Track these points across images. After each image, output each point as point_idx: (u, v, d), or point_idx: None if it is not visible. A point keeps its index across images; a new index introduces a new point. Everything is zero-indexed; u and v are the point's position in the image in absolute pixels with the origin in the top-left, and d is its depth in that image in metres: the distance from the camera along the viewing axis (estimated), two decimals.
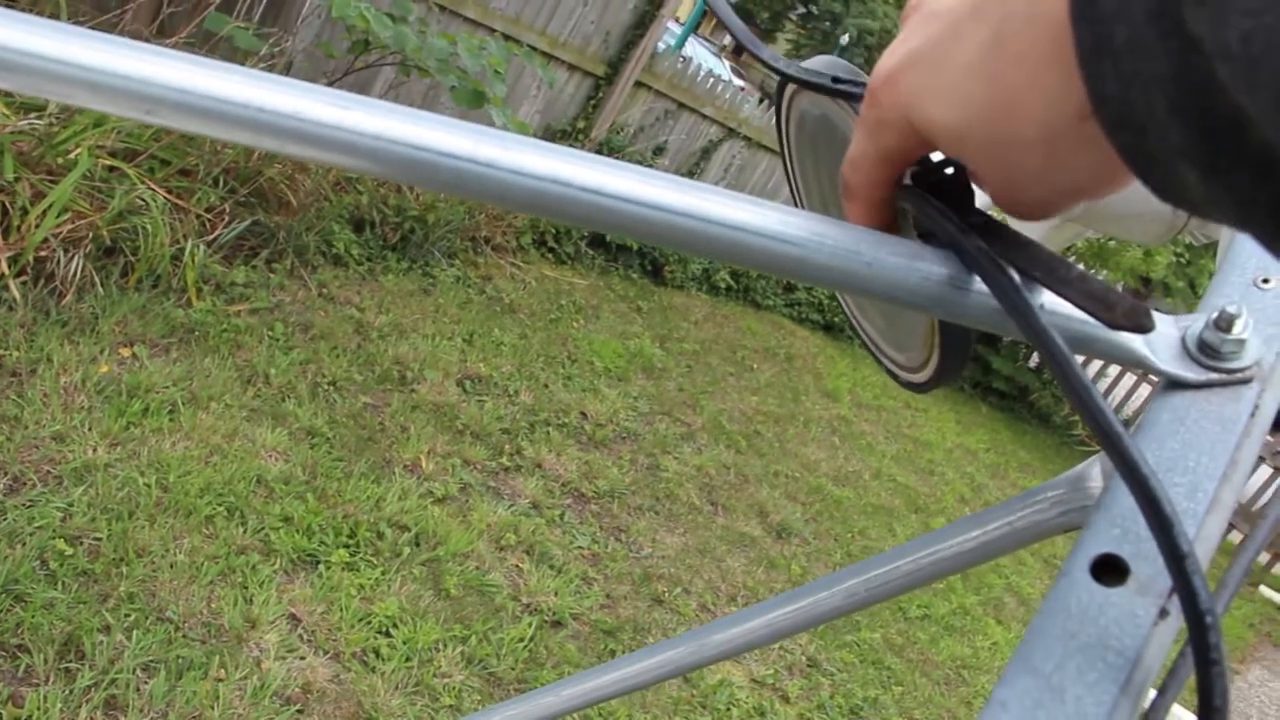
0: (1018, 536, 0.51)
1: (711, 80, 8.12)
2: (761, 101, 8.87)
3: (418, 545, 3.33)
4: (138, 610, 2.53)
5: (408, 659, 2.85)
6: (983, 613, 5.19)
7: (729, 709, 3.41)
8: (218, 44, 4.79)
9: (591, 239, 7.13)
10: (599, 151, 7.35)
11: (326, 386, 3.91)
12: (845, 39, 38.25)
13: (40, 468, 2.81)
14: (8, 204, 3.50)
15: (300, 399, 3.73)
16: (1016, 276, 0.38)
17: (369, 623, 2.91)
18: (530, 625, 3.26)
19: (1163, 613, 0.35)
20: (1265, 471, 10.03)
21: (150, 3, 4.81)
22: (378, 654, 2.82)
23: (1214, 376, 0.40)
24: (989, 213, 0.43)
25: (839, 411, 7.24)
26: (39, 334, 3.30)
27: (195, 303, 3.94)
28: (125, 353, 3.49)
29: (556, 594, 3.48)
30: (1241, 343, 0.40)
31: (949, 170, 0.43)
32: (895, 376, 0.57)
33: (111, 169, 3.88)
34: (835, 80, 0.48)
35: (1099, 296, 0.37)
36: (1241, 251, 0.45)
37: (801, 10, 43.80)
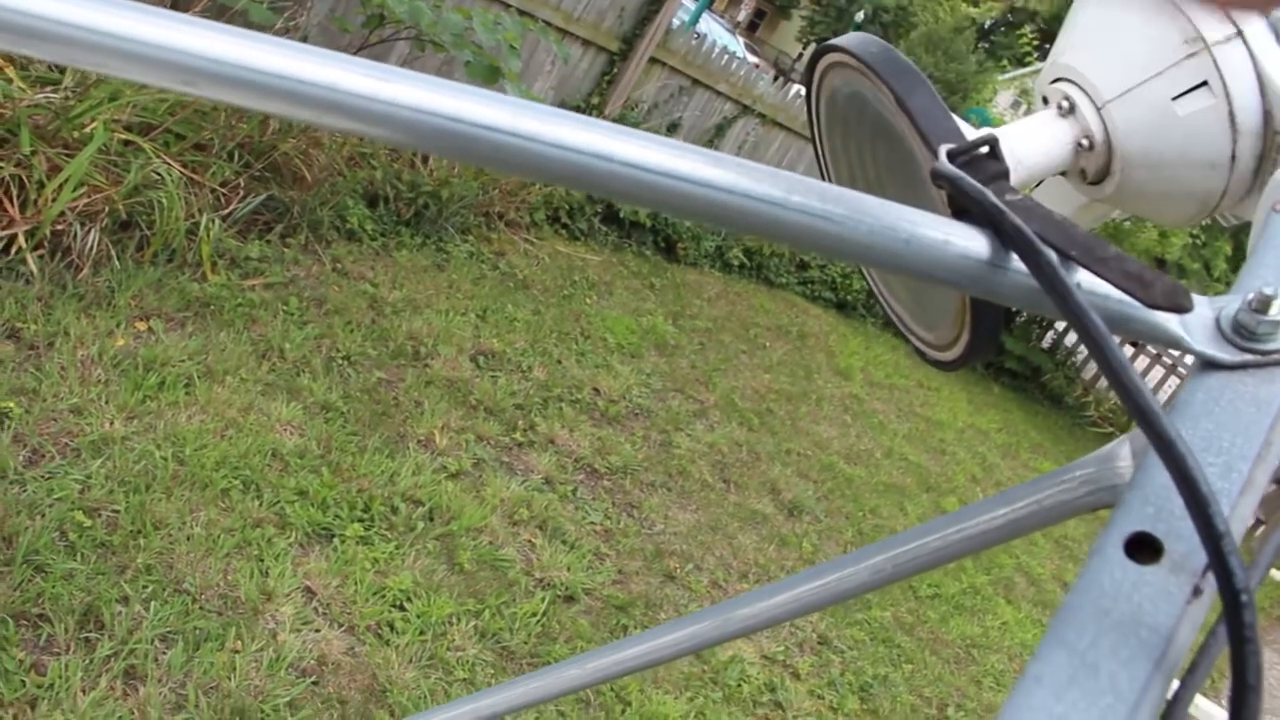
0: (1045, 515, 0.51)
1: (726, 57, 8.08)
2: (776, 78, 8.82)
3: (431, 520, 3.35)
4: (155, 582, 2.55)
5: (422, 632, 2.87)
6: (993, 592, 5.20)
7: (740, 685, 3.43)
8: (233, 18, 4.79)
9: (605, 215, 7.12)
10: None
11: (341, 361, 3.92)
12: (860, 16, 38.02)
13: (58, 440, 2.83)
14: (25, 178, 3.51)
15: (315, 373, 3.74)
16: (1054, 255, 0.38)
17: (383, 596, 2.93)
18: (543, 600, 3.27)
19: (1196, 591, 0.35)
20: None
21: None
22: (392, 627, 2.85)
23: (1249, 358, 0.41)
24: (1023, 192, 0.43)
25: (851, 390, 7.23)
26: (56, 307, 3.31)
27: (210, 277, 3.95)
28: (141, 326, 3.51)
29: (569, 569, 3.49)
30: (1277, 324, 0.40)
31: (984, 149, 0.43)
32: (923, 355, 0.57)
33: (127, 143, 3.89)
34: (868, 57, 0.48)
35: (1136, 276, 0.38)
36: (1278, 232, 0.45)
37: None
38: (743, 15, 44.45)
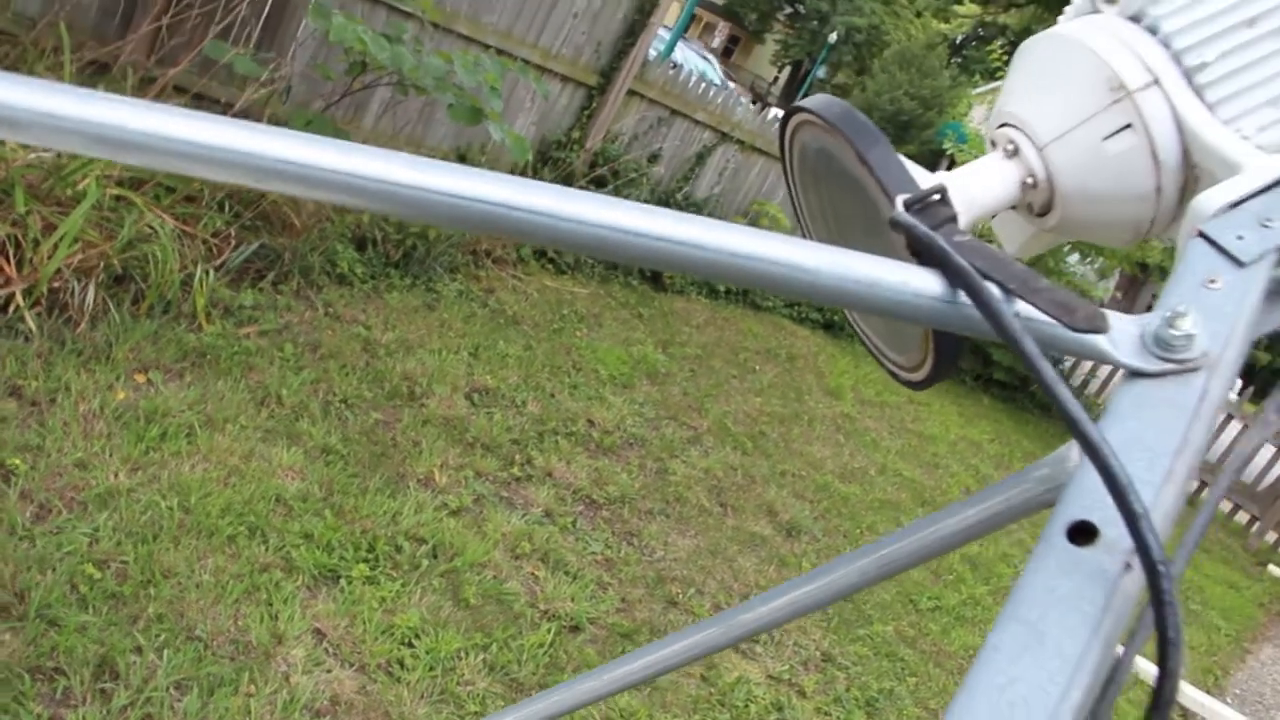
0: (1012, 512, 0.57)
1: (703, 85, 8.20)
2: (754, 103, 8.94)
3: (435, 557, 3.40)
4: (167, 630, 2.60)
5: (431, 668, 2.92)
6: (993, 602, 5.25)
7: (747, 705, 3.48)
8: (218, 71, 4.88)
9: None
10: (594, 161, 7.43)
11: (338, 404, 3.98)
12: (834, 37, 38.39)
13: (65, 494, 2.87)
14: (20, 236, 3.57)
15: (313, 418, 3.79)
16: (995, 289, 0.45)
17: (392, 634, 2.97)
18: (549, 631, 3.32)
19: (1127, 566, 0.42)
20: (1270, 450, 10.09)
21: (148, 34, 4.89)
22: (402, 664, 2.89)
23: (1168, 367, 0.47)
24: (969, 235, 0.49)
25: (842, 409, 7.30)
26: (56, 363, 3.37)
27: (206, 327, 4.00)
28: (140, 379, 3.56)
29: (573, 600, 3.54)
30: (1190, 337, 0.47)
31: (935, 196, 0.50)
32: (895, 376, 0.64)
33: (119, 198, 3.95)
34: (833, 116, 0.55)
35: (1063, 304, 0.44)
36: (1193, 256, 0.52)
37: (789, 10, 43.94)
38: (717, 41, 44.82)
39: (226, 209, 4.42)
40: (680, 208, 8.14)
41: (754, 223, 8.75)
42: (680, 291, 7.88)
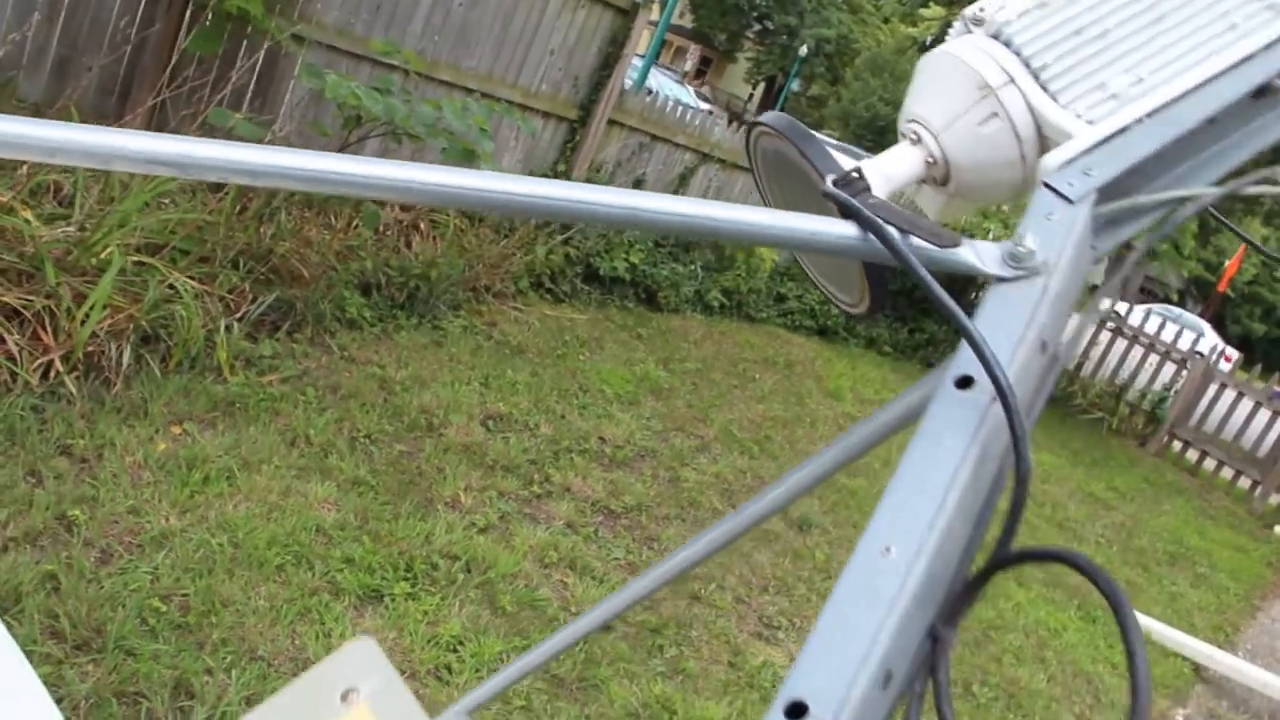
0: (912, 412, 0.79)
1: (680, 109, 8.46)
2: (730, 123, 9.20)
3: (469, 571, 3.61)
4: (232, 652, 2.81)
5: (477, 670, 3.12)
6: (1002, 577, 5.45)
7: (774, 685, 3.68)
8: (227, 135, 5.11)
9: (586, 274, 7.43)
10: None
11: (363, 440, 4.19)
12: (804, 50, 38.79)
13: (123, 539, 3.09)
14: (54, 307, 3.80)
15: (341, 454, 4.01)
16: (891, 229, 0.67)
17: (437, 643, 3.18)
18: None
19: (992, 399, 0.63)
20: (1268, 415, 10.30)
21: (145, 111, 5.14)
22: (449, 669, 3.10)
23: (1019, 273, 0.69)
24: (882, 198, 0.72)
25: (843, 409, 7.52)
26: (98, 421, 3.59)
27: (230, 378, 4.23)
28: (177, 430, 3.78)
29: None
30: (1032, 252, 0.69)
31: (855, 174, 0.72)
32: (847, 313, 0.86)
33: (139, 264, 4.19)
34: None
35: (935, 233, 0.66)
36: (1038, 199, 0.74)
37: (757, 28, 44.38)
38: (689, 64, 45.22)
39: (240, 265, 4.65)
40: None
41: None
42: (675, 310, 8.11)
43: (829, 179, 0.72)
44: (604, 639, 3.56)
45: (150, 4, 5.24)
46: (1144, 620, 5.65)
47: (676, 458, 5.36)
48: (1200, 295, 27.85)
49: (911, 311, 10.52)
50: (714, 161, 8.84)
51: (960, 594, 0.63)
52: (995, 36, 0.83)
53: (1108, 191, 0.74)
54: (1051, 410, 10.37)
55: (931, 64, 0.86)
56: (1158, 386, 10.99)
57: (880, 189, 0.79)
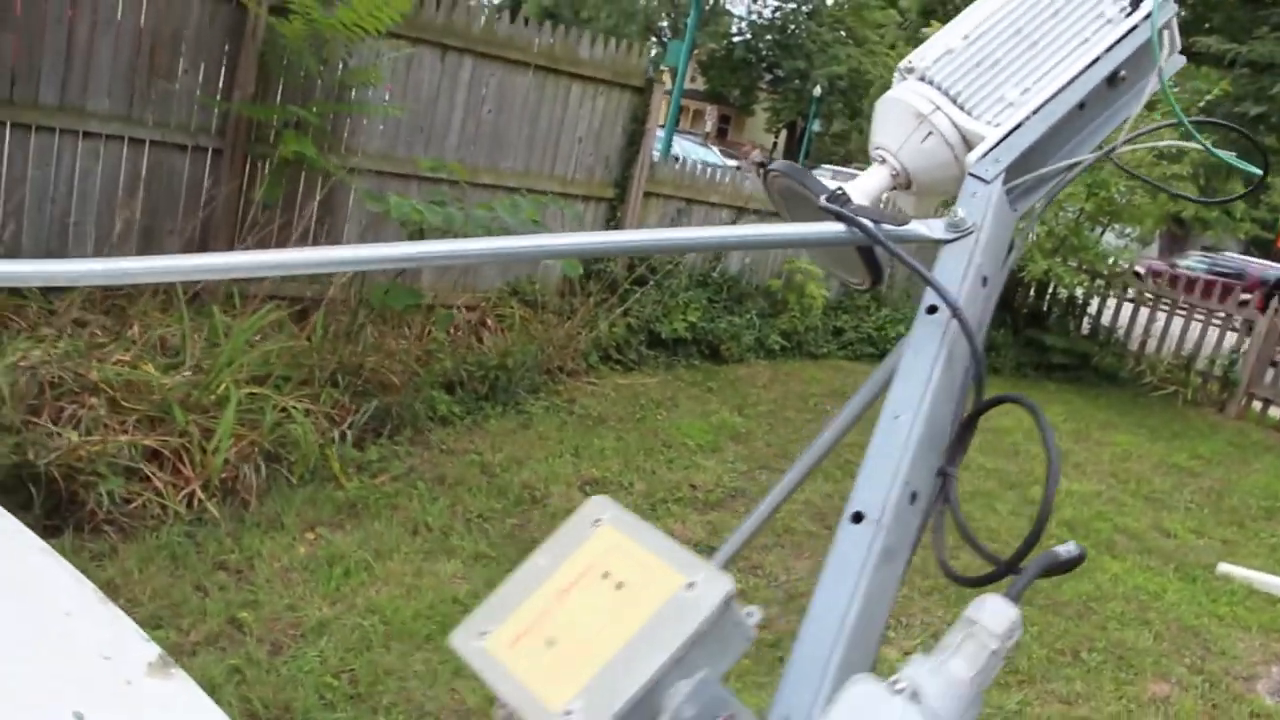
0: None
1: (709, 170, 8.88)
2: (759, 172, 9.58)
3: None
4: (404, 713, 3.16)
5: None
6: (1096, 554, 5.65)
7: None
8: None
9: (649, 341, 7.81)
10: (631, 264, 8.08)
11: (476, 520, 4.57)
12: (818, 90, 39.34)
13: (288, 632, 3.47)
14: (187, 444, 4.24)
15: (460, 534, 4.38)
16: (868, 221, 1.02)
17: None
18: None
19: (950, 318, 0.97)
20: None
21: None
22: None
23: (957, 235, 1.03)
24: (860, 204, 1.07)
25: None
26: (242, 536, 4.00)
27: (347, 484, 4.64)
28: (311, 535, 4.18)
29: None
30: (964, 219, 1.03)
31: (840, 192, 1.07)
32: (858, 289, 1.20)
33: (251, 394, 4.64)
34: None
35: (894, 219, 1.01)
36: (966, 185, 1.08)
37: (769, 78, 45.10)
38: (709, 125, 45.99)
39: (339, 383, 5.09)
40: (718, 285, 8.78)
41: (789, 281, 9.33)
42: (740, 360, 8.45)
43: (822, 197, 1.07)
44: None
45: (215, 167, 5.78)
46: (1246, 572, 5.79)
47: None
48: (1262, 253, 27.53)
49: None
50: (751, 213, 9.23)
51: (954, 441, 0.96)
52: (922, 79, 1.18)
53: (1014, 170, 1.08)
54: (1121, 392, 10.49)
55: (883, 106, 1.21)
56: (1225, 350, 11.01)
57: (860, 199, 1.13)
